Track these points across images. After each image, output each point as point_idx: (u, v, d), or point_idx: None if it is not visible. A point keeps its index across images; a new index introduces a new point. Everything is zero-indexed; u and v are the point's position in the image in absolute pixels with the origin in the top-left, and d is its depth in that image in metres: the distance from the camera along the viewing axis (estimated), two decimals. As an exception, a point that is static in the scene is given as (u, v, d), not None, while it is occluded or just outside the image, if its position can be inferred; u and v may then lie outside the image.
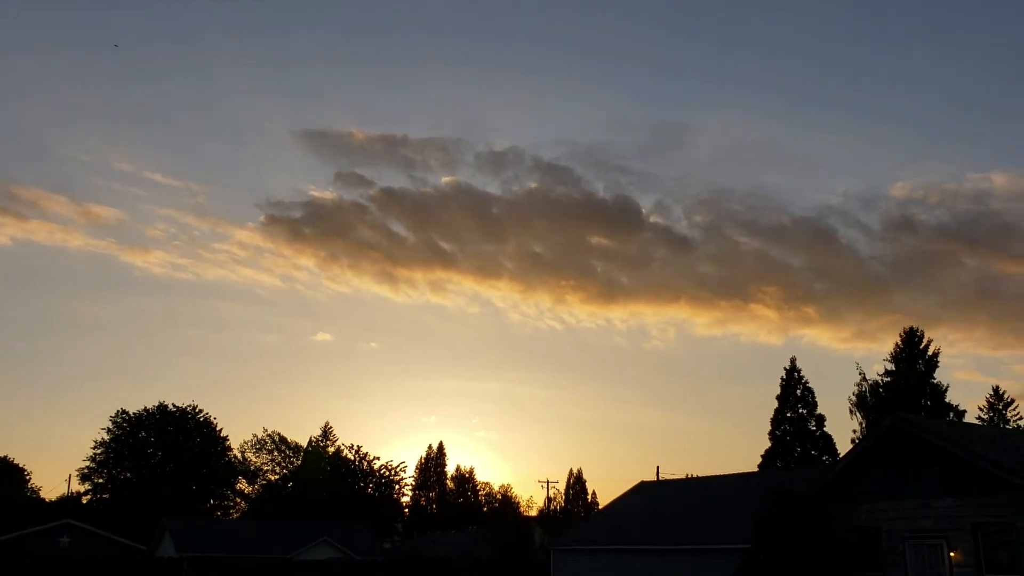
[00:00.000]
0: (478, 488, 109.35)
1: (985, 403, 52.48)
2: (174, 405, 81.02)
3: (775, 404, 55.16)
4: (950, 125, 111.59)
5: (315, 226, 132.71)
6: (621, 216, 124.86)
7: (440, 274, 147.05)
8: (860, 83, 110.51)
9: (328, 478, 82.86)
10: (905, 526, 23.96)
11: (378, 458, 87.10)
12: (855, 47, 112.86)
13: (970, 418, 50.28)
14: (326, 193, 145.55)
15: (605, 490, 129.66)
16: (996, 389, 52.77)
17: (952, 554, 22.65)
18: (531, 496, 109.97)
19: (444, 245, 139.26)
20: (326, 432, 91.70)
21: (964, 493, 22.76)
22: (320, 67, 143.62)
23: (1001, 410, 51.64)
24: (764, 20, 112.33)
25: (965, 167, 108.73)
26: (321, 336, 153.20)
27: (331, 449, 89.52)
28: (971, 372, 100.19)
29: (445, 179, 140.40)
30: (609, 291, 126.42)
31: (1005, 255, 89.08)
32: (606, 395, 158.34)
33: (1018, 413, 51.59)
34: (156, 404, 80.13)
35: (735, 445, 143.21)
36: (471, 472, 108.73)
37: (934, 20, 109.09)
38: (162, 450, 79.09)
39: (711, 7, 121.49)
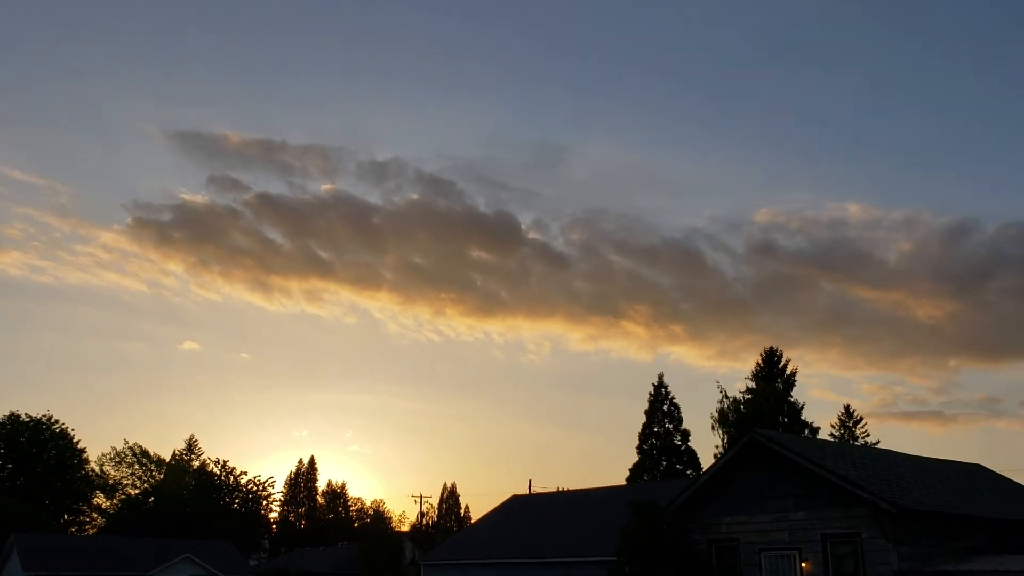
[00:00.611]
0: (350, 504, 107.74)
1: (837, 421, 55.48)
2: (27, 415, 76.82)
3: (644, 419, 56.77)
4: (811, 155, 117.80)
5: (185, 230, 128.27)
6: (501, 231, 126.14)
7: (316, 283, 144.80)
8: (728, 111, 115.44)
9: (192, 493, 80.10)
10: (761, 539, 25.10)
11: (245, 473, 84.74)
12: (725, 76, 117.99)
13: (823, 435, 53.04)
14: (198, 197, 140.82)
15: (479, 504, 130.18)
16: (847, 407, 55.94)
17: (803, 564, 23.88)
18: (404, 511, 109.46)
19: (322, 253, 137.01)
20: (191, 445, 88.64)
21: (816, 506, 24.04)
22: (196, 69, 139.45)
23: (851, 427, 54.68)
24: (643, 45, 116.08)
25: (824, 196, 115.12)
26: (188, 345, 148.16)
27: (196, 463, 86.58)
28: (825, 391, 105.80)
29: (325, 187, 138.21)
30: (488, 305, 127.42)
31: (858, 281, 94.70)
32: (482, 409, 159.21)
33: (866, 430, 54.77)
34: (7, 414, 75.85)
35: (606, 459, 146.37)
36: (343, 487, 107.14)
37: (797, 52, 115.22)
38: (13, 462, 74.79)
39: (596, 30, 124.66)
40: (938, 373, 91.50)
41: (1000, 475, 31.50)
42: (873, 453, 30.63)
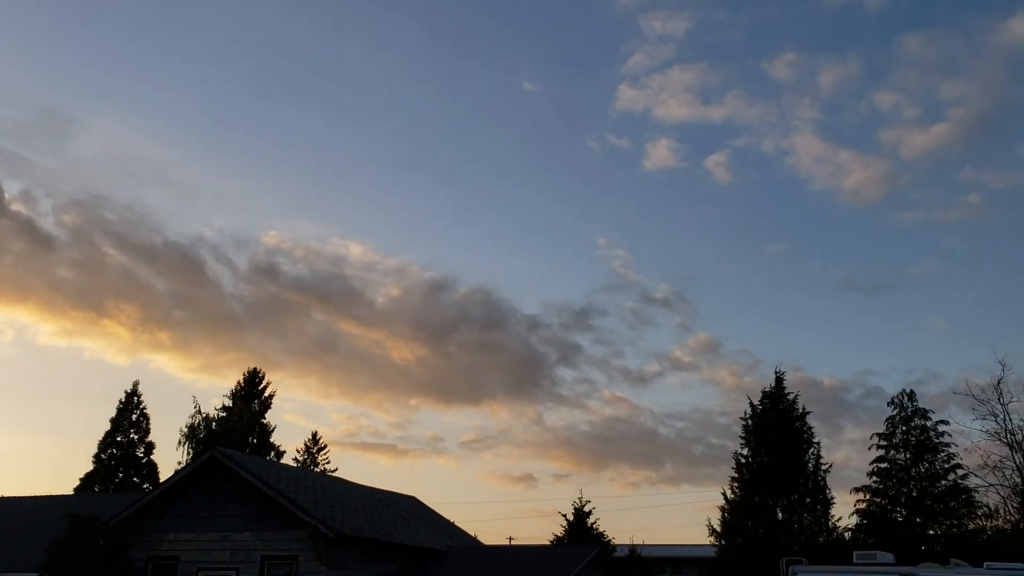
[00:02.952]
0: None
1: (304, 446, 57.60)
2: None
3: (109, 427, 53.21)
4: (327, 191, 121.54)
5: None
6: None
7: None
8: (253, 127, 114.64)
9: None
10: (203, 557, 25.17)
11: None
12: (259, 92, 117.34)
13: (288, 459, 54.62)
14: None
15: None
16: (315, 434, 58.43)
17: (239, 583, 24.46)
18: None
19: None
20: None
21: (263, 527, 24.86)
22: None
23: (315, 453, 57.13)
24: (188, 29, 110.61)
25: (331, 232, 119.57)
26: None
27: None
28: (298, 416, 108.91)
29: None
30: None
31: (348, 316, 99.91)
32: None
33: (328, 458, 57.60)
34: None
35: (62, 465, 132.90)
36: None
37: (330, 93, 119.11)
38: None
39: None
40: (400, 410, 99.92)
41: (430, 508, 35.34)
42: (326, 480, 32.49)
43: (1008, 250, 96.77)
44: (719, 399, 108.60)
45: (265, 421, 54.33)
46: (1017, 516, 36.75)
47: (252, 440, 52.02)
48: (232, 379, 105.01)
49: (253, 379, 56.37)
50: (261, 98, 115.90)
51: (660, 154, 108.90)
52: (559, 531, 40.33)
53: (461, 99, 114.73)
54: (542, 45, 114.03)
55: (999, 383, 35.88)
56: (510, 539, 55.57)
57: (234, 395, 55.70)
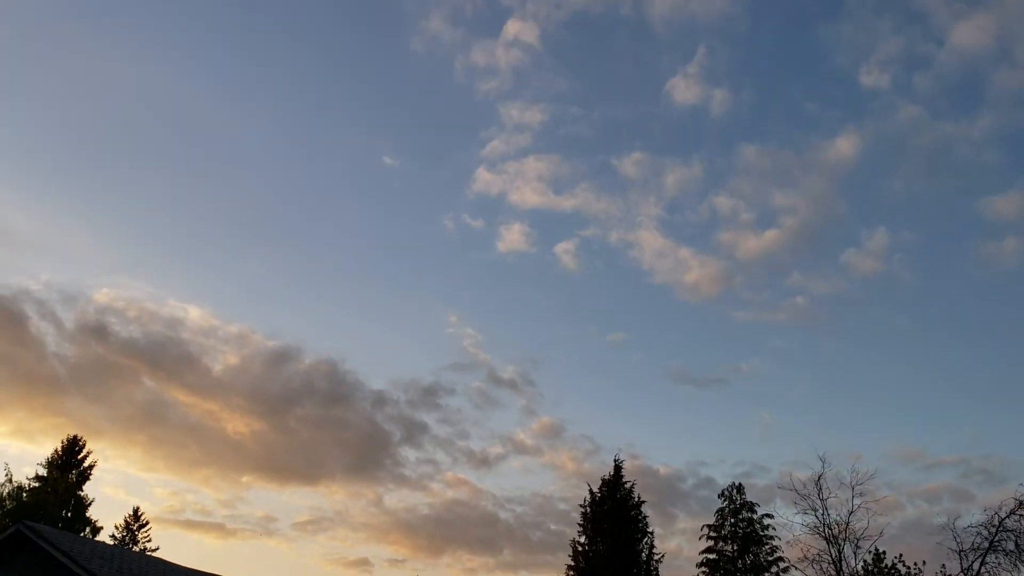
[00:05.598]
0: None
1: (123, 522, 54.00)
2: None
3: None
4: (164, 250, 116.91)
5: None
6: None
7: None
8: (96, 181, 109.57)
9: None
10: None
11: None
12: (106, 147, 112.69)
13: (105, 535, 51.04)
14: None
15: None
16: (136, 510, 54.94)
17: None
18: None
19: None
20: None
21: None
22: None
23: (135, 531, 53.64)
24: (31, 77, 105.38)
25: (168, 293, 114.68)
26: None
27: None
28: (119, 489, 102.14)
29: None
30: None
31: (181, 384, 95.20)
32: None
33: (149, 536, 54.16)
34: None
35: None
36: None
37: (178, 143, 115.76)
38: None
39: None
40: (230, 487, 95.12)
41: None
42: (145, 560, 30.51)
43: (828, 352, 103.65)
44: (559, 484, 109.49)
45: (82, 493, 50.80)
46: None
47: (66, 514, 48.48)
48: (48, 446, 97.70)
49: (72, 447, 52.77)
50: (100, 150, 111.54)
51: (513, 237, 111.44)
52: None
53: (317, 165, 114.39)
54: (405, 122, 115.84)
55: (819, 479, 37.86)
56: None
57: (50, 464, 51.91)
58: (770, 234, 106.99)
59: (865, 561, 37.67)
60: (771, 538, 41.04)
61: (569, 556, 39.66)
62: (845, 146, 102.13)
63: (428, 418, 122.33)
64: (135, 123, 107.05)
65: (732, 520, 42.11)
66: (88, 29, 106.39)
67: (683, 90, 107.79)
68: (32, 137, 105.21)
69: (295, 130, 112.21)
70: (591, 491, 41.22)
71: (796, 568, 39.88)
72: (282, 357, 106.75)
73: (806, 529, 38.49)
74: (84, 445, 53.16)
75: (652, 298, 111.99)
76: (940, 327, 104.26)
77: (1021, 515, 32.10)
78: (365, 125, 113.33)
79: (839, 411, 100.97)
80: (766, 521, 41.57)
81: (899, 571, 37.43)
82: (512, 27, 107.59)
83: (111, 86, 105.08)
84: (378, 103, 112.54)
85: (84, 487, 51.62)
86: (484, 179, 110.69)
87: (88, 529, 49.37)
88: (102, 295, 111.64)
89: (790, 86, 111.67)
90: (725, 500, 42.65)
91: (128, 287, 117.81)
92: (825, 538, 37.29)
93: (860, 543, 35.20)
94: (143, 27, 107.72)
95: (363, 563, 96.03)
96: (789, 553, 40.78)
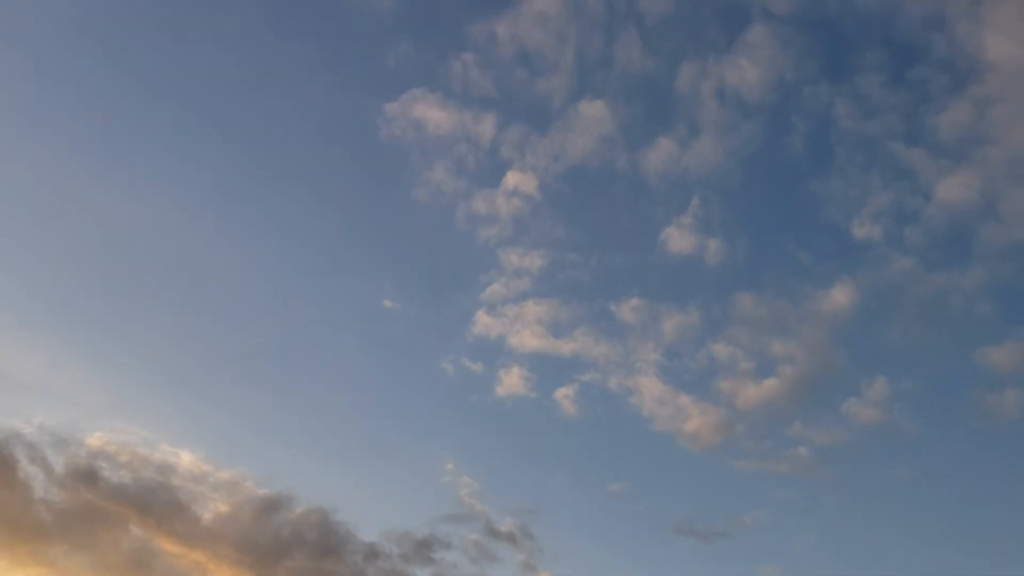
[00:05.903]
0: None
1: None
2: None
3: None
4: (159, 393, 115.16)
5: None
6: None
7: None
8: (98, 317, 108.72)
9: None
10: None
11: None
12: (103, 285, 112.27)
13: None
14: None
15: None
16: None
17: None
18: None
19: None
20: None
21: None
22: None
23: None
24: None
25: (161, 437, 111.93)
26: None
27: None
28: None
29: None
30: None
31: (169, 532, 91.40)
32: None
33: None
34: None
35: None
36: None
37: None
38: None
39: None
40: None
41: None
42: None
43: (831, 505, 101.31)
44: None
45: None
46: None
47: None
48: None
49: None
50: (103, 290, 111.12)
51: (512, 381, 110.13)
52: None
53: (313, 305, 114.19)
54: (406, 266, 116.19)
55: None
56: None
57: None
58: (769, 383, 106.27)
59: None
60: None
61: None
62: (840, 296, 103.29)
63: (422, 573, 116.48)
64: (138, 263, 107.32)
65: None
66: (89, 167, 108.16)
67: (678, 239, 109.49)
68: (35, 277, 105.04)
69: (295, 275, 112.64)
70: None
71: None
72: (273, 506, 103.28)
73: None
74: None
75: (653, 446, 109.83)
76: (943, 479, 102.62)
77: None
78: (366, 269, 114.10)
79: (842, 564, 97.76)
80: None
81: None
82: (512, 178, 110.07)
83: (115, 227, 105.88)
84: (380, 248, 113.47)
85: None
86: (484, 322, 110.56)
87: None
88: (95, 439, 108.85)
89: (783, 237, 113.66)
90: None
91: (122, 431, 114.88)
92: None
93: None
94: (143, 168, 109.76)
95: None
96: None
